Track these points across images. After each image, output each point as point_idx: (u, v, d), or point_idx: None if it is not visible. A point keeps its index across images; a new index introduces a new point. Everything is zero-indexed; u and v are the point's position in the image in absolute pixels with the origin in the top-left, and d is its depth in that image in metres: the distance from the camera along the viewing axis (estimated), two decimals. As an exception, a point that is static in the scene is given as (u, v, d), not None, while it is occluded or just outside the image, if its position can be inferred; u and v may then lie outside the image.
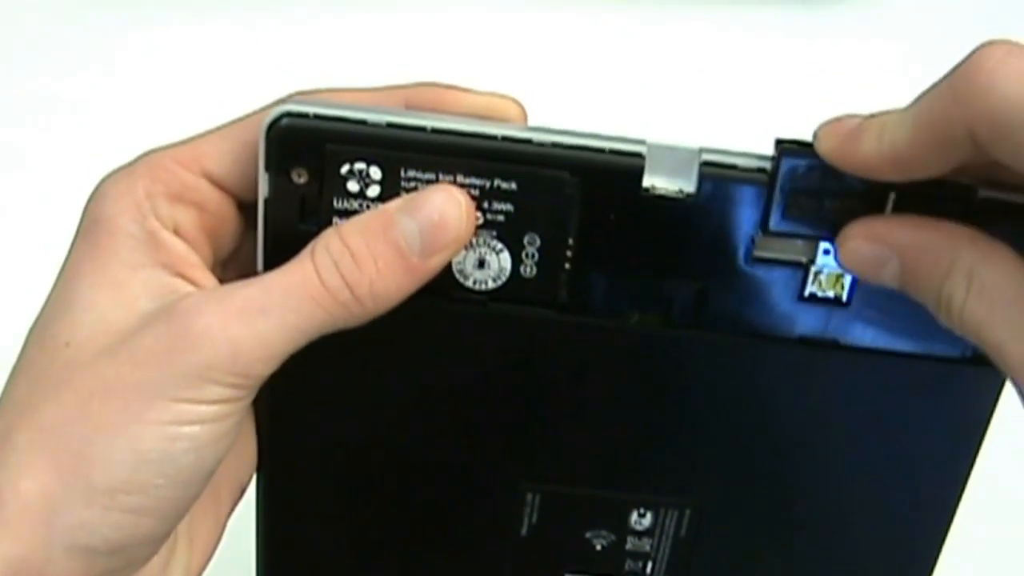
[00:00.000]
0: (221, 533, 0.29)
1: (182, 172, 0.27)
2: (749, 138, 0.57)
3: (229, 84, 0.55)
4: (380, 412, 0.30)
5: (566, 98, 0.56)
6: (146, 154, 0.27)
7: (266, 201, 0.27)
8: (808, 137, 0.26)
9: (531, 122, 0.29)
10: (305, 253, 0.26)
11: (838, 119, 0.25)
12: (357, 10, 0.56)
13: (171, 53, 0.55)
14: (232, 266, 0.29)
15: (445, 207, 0.26)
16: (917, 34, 0.57)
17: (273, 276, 0.25)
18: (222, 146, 0.27)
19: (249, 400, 0.26)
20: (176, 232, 0.27)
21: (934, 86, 0.23)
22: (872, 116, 0.24)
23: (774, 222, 0.27)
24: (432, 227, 0.26)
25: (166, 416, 0.24)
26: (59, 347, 0.25)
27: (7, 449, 0.24)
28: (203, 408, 0.25)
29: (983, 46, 0.22)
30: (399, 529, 0.31)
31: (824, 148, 0.25)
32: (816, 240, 0.27)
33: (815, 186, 0.26)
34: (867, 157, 0.24)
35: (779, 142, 0.26)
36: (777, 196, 0.26)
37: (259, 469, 0.30)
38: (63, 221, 0.28)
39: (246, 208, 0.28)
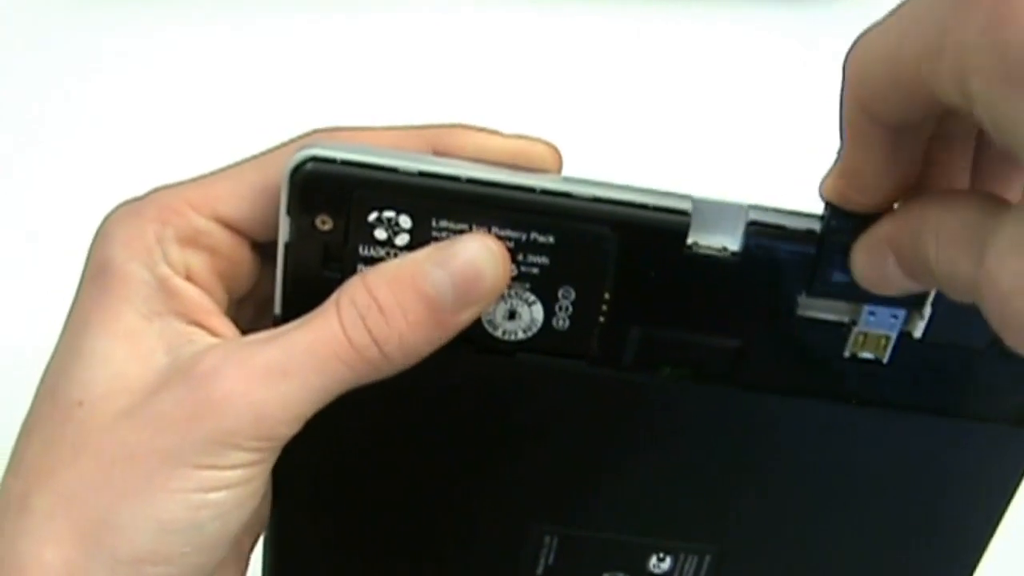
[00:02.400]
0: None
1: (193, 216, 0.25)
2: (747, 140, 0.56)
3: (228, 89, 0.52)
4: (401, 456, 0.29)
5: (564, 100, 0.55)
6: (154, 191, 0.26)
7: (287, 246, 0.25)
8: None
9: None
10: (329, 306, 0.24)
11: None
12: (361, 12, 0.53)
13: (168, 58, 0.53)
14: (248, 304, 0.28)
15: (480, 258, 0.25)
16: None
17: (296, 334, 0.24)
18: (236, 189, 0.26)
19: (273, 460, 0.25)
20: (189, 277, 0.25)
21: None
22: None
23: (821, 284, 0.26)
24: (465, 279, 0.24)
25: (190, 484, 0.23)
26: (72, 405, 0.24)
27: (26, 515, 0.23)
28: (227, 474, 0.24)
29: None
30: (415, 570, 0.31)
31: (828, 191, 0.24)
32: (862, 301, 0.26)
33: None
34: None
35: (829, 203, 0.25)
36: (826, 258, 0.25)
37: (272, 512, 0.29)
38: (56, 230, 0.27)
39: (261, 247, 0.27)
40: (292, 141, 0.26)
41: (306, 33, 0.53)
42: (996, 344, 0.26)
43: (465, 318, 0.25)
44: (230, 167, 0.26)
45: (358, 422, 0.28)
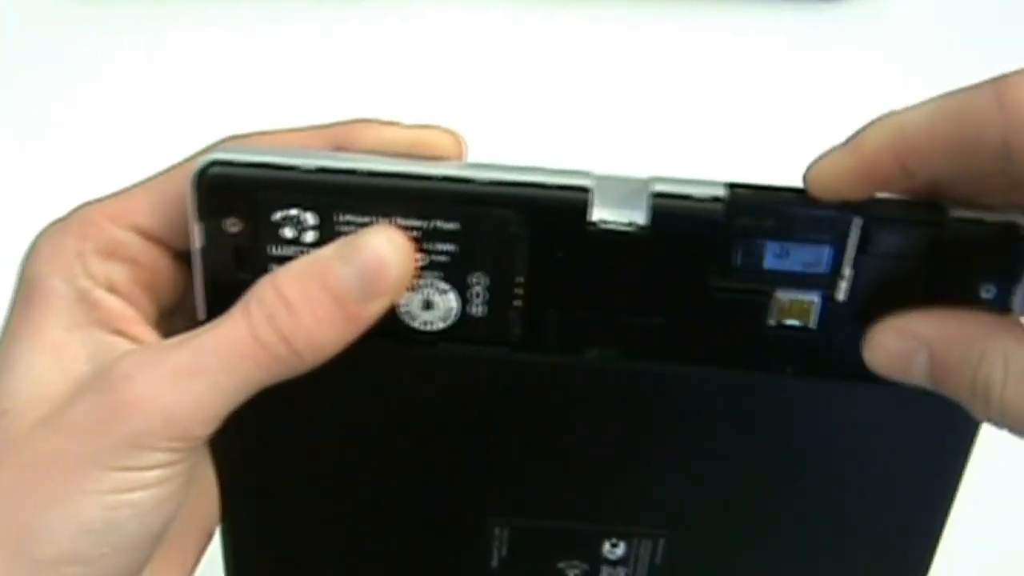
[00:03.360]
0: None
1: (111, 228, 0.26)
2: (746, 142, 0.55)
3: (220, 92, 0.54)
4: (340, 455, 0.29)
5: (559, 103, 0.55)
6: (79, 208, 0.27)
7: (201, 251, 0.26)
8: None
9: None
10: (238, 307, 0.25)
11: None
12: (361, 12, 0.54)
13: (160, 61, 0.54)
14: (180, 315, 0.28)
15: (383, 251, 0.25)
16: (915, 37, 0.55)
17: (206, 335, 0.24)
18: (149, 199, 0.26)
19: (193, 459, 0.25)
20: (111, 289, 0.26)
21: (967, 89, 0.22)
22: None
23: (731, 263, 0.25)
24: (371, 272, 0.25)
25: (105, 485, 0.24)
26: None
27: None
28: (143, 474, 0.24)
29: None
30: (366, 567, 0.31)
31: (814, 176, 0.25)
32: (776, 276, 0.26)
33: (769, 228, 0.25)
34: (869, 150, 0.23)
35: (730, 186, 0.25)
36: (731, 241, 0.25)
37: (222, 516, 0.29)
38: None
39: (184, 257, 0.27)
40: (203, 150, 0.26)
41: (306, 36, 0.54)
42: (926, 305, 0.26)
43: (374, 311, 0.25)
44: (147, 179, 0.27)
45: (298, 422, 0.29)
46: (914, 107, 0.23)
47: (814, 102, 0.55)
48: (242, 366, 0.24)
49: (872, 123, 0.24)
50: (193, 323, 0.28)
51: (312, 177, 0.25)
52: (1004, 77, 0.22)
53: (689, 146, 0.54)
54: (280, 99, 0.52)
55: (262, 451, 0.29)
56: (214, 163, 0.25)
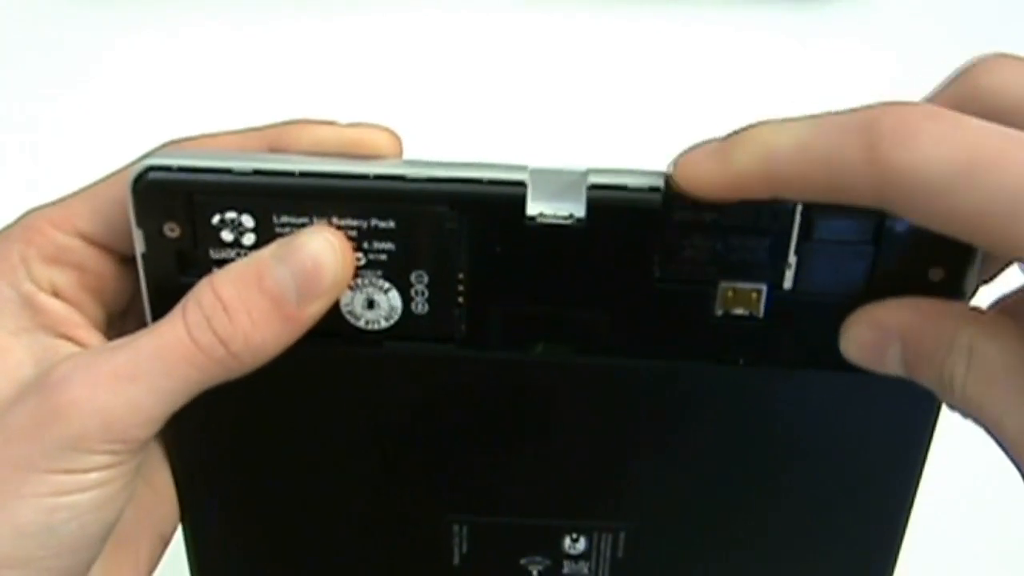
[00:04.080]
0: None
1: (55, 233, 0.26)
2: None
3: (212, 89, 0.54)
4: (293, 457, 0.29)
5: (553, 101, 0.54)
6: (25, 215, 0.27)
7: (144, 256, 0.26)
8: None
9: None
10: (177, 310, 0.25)
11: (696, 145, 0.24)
12: (360, 11, 0.54)
13: (150, 58, 0.55)
14: (131, 319, 0.28)
15: (319, 252, 0.25)
16: (907, 33, 0.55)
17: (143, 338, 0.25)
18: (91, 205, 0.26)
19: (134, 461, 0.25)
20: (56, 293, 0.26)
21: (838, 124, 0.21)
22: (735, 133, 0.23)
23: (673, 254, 0.25)
24: (307, 273, 0.25)
25: (43, 489, 0.24)
26: None
27: None
28: (81, 477, 0.24)
29: (895, 106, 0.21)
30: (329, 570, 0.31)
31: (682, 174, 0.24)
32: (719, 266, 0.25)
33: (709, 217, 0.24)
34: (738, 169, 0.23)
35: (668, 176, 0.24)
36: (672, 232, 0.25)
37: (181, 518, 0.30)
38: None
39: (131, 261, 0.27)
40: (143, 156, 0.26)
41: (305, 35, 0.54)
42: (874, 292, 0.25)
43: (312, 312, 0.25)
44: (89, 185, 0.27)
45: (249, 425, 0.29)
46: (786, 129, 0.22)
47: (803, 96, 0.55)
48: (179, 368, 0.24)
49: (744, 135, 0.23)
50: (143, 327, 0.29)
51: (247, 179, 0.25)
52: (874, 120, 0.21)
53: (674, 141, 0.53)
54: (254, 98, 0.52)
55: (216, 454, 0.29)
56: (150, 168, 0.25)
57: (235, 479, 0.29)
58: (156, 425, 0.25)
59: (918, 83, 0.25)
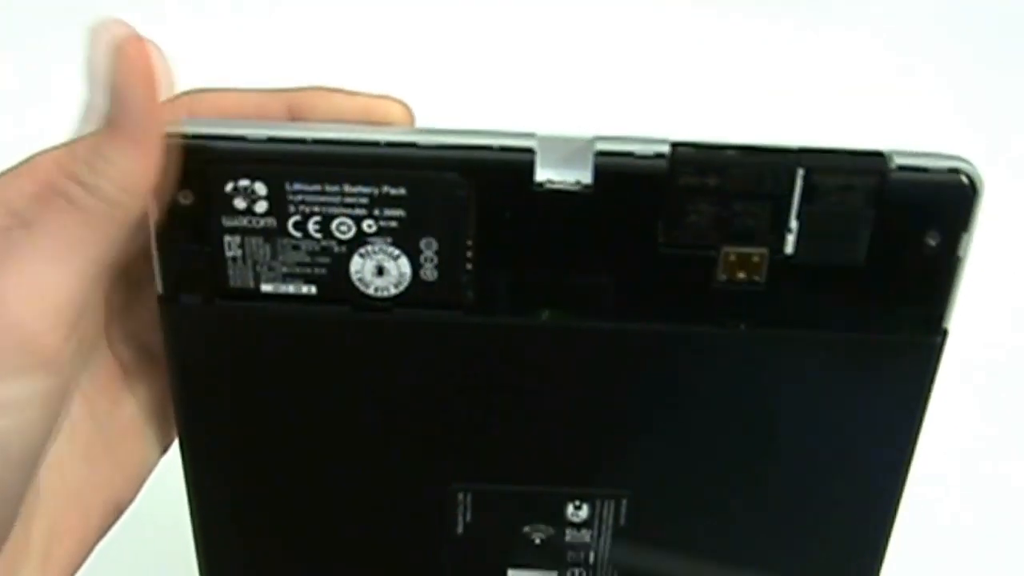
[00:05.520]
0: (87, 554, 0.28)
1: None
2: (736, 127, 0.56)
3: (226, 61, 0.54)
4: (299, 424, 0.29)
5: (554, 92, 0.55)
6: (31, 158, 0.26)
7: (156, 223, 0.26)
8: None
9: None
10: (48, 201, 0.24)
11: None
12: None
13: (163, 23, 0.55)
14: (121, 282, 0.28)
15: (110, 59, 0.24)
16: (902, 22, 0.56)
17: (23, 238, 0.24)
18: None
19: (57, 389, 0.24)
20: None
21: None
22: None
23: (677, 220, 0.26)
24: (118, 88, 0.24)
25: None
26: None
27: None
28: None
29: None
30: (334, 537, 0.31)
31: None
32: (720, 232, 0.26)
33: (713, 183, 0.25)
34: None
35: (674, 143, 0.25)
36: (676, 198, 0.25)
37: (186, 481, 0.30)
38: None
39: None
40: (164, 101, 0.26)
41: (319, 11, 0.55)
42: (874, 256, 0.26)
43: (143, 118, 0.24)
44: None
45: (256, 392, 0.29)
46: None
47: (802, 80, 0.56)
48: (74, 247, 0.24)
49: None
50: (134, 290, 0.29)
51: (261, 146, 0.25)
52: None
53: (675, 120, 0.54)
54: (269, 68, 0.52)
55: (222, 420, 0.29)
56: (165, 135, 0.25)
57: (240, 445, 0.30)
58: (65, 330, 0.24)
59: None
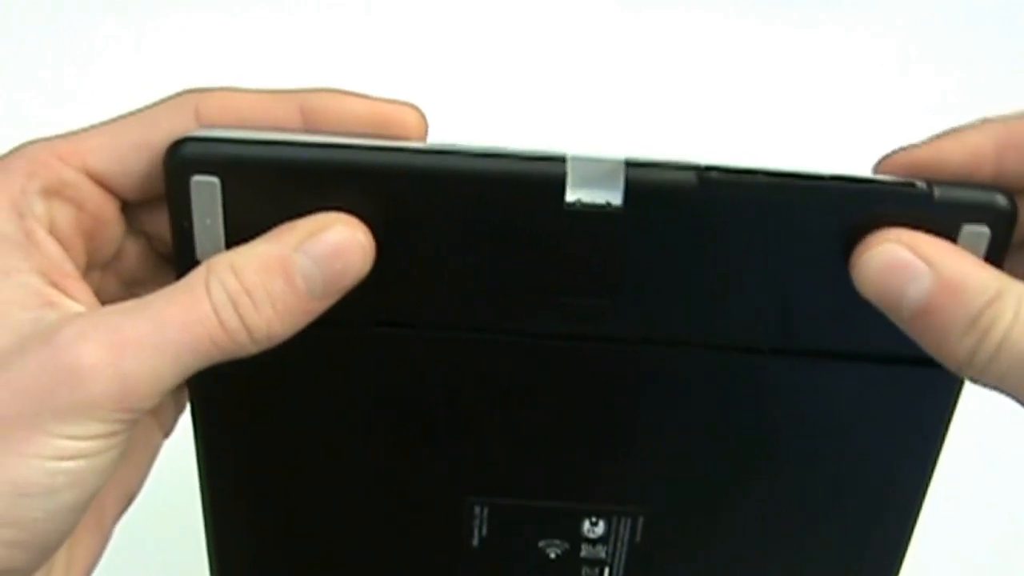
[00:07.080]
0: (105, 542, 0.29)
1: (61, 167, 0.25)
2: (739, 132, 0.55)
3: (233, 63, 0.53)
4: (316, 438, 0.29)
5: (555, 94, 0.55)
6: (23, 146, 0.26)
7: (174, 228, 0.26)
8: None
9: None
10: (197, 285, 0.24)
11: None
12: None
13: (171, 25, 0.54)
14: (111, 272, 0.28)
15: (345, 247, 0.25)
16: (909, 25, 0.55)
17: (166, 308, 0.24)
18: (110, 143, 0.26)
19: (131, 432, 0.25)
20: (52, 231, 0.25)
21: None
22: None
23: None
24: (333, 271, 0.25)
25: (47, 451, 0.23)
26: None
27: None
28: (85, 444, 0.23)
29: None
30: (350, 548, 0.31)
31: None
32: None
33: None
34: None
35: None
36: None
37: (202, 497, 0.29)
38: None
39: (129, 211, 0.27)
40: (169, 98, 0.26)
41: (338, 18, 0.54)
42: None
43: (330, 303, 0.25)
44: (106, 121, 0.26)
45: (274, 407, 0.29)
46: None
47: (802, 82, 0.55)
48: (203, 345, 0.24)
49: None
50: (129, 282, 0.29)
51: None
52: None
53: (676, 129, 0.54)
54: (279, 71, 0.52)
55: (237, 436, 0.29)
56: (186, 140, 0.25)
57: (255, 460, 0.29)
58: (161, 397, 0.24)
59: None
